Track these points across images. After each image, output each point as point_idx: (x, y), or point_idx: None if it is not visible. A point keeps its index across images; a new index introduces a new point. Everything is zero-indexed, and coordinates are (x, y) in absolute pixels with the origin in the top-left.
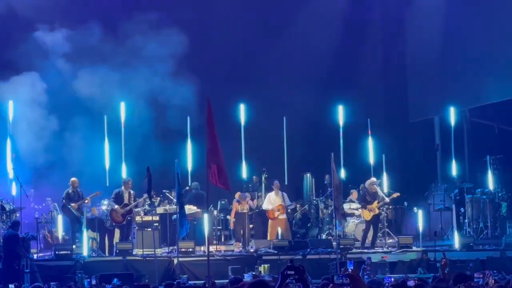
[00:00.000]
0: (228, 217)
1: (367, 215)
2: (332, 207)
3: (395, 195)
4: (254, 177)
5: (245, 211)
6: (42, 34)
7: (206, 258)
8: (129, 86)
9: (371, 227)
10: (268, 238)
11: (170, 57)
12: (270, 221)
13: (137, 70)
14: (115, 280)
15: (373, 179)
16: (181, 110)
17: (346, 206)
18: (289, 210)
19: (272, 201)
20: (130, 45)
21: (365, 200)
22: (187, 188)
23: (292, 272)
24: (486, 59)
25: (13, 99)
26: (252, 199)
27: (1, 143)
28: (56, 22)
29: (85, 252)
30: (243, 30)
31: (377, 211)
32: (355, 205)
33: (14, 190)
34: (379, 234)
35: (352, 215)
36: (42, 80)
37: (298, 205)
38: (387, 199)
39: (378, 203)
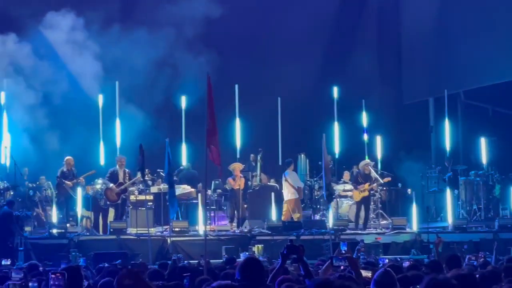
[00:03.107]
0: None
1: (357, 196)
2: (324, 188)
3: (386, 179)
4: (251, 155)
5: (237, 187)
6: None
7: (199, 238)
8: (127, 60)
9: (362, 208)
10: (298, 218)
11: (172, 33)
12: (296, 200)
13: (139, 41)
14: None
15: (368, 160)
16: (180, 87)
17: (340, 188)
18: None
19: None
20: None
21: (357, 181)
22: (181, 167)
23: (292, 253)
24: (481, 41)
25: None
26: (246, 179)
27: None
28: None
29: (79, 230)
30: (241, 10)
31: (367, 193)
32: (349, 186)
33: (8, 168)
34: (372, 215)
35: (345, 196)
36: (34, 53)
37: None
38: (381, 180)
39: (369, 185)
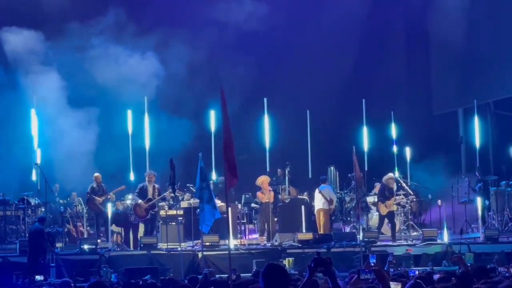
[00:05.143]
0: (252, 205)
1: (383, 210)
2: (355, 200)
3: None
4: (278, 170)
5: (267, 200)
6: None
7: (230, 252)
8: (163, 69)
9: (388, 221)
10: (324, 229)
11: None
12: (325, 211)
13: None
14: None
15: (391, 174)
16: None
17: (370, 199)
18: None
19: None
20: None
21: (384, 195)
22: (210, 182)
23: (319, 265)
24: (511, 51)
25: (38, 90)
26: (276, 192)
27: (27, 138)
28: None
29: (110, 246)
30: (271, 22)
31: (393, 208)
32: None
33: (39, 185)
34: (403, 227)
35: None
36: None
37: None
38: (411, 193)
39: (394, 200)
